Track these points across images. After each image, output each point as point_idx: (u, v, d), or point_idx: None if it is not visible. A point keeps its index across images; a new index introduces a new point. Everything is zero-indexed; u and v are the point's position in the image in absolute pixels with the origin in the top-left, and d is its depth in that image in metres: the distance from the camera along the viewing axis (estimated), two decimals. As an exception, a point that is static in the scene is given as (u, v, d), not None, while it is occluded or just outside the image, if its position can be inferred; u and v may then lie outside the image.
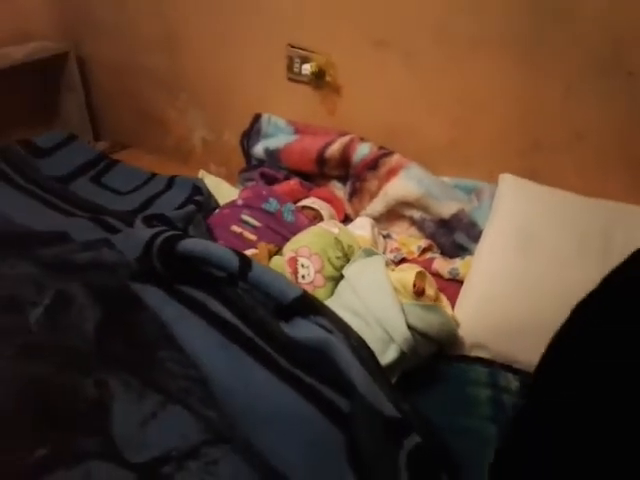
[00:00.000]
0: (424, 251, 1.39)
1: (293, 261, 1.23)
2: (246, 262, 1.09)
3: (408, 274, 1.14)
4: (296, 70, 1.61)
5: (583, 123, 1.26)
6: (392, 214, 1.47)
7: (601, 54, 1.18)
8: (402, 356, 1.03)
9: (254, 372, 0.97)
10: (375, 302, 1.08)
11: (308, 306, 1.03)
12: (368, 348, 0.98)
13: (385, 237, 1.47)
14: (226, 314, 1.08)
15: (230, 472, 0.91)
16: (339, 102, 1.59)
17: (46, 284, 1.34)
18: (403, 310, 1.06)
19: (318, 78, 1.56)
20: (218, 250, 1.12)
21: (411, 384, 1.08)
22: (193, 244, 1.15)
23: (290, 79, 1.64)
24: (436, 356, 1.14)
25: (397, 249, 1.41)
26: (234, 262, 1.09)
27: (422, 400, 1.02)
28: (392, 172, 1.43)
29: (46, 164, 1.95)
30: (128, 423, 1.00)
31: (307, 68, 1.57)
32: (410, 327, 1.05)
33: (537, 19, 1.21)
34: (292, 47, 1.59)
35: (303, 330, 1.00)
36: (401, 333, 1.03)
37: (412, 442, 0.84)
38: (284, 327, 1.03)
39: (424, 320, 1.07)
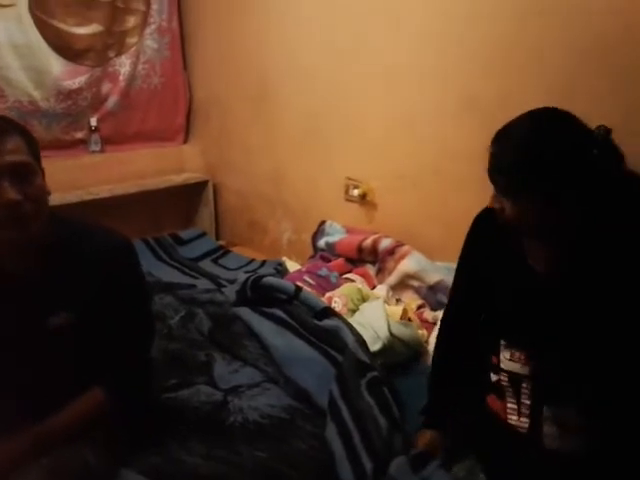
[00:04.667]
0: (420, 307, 2.11)
1: (329, 299, 2.02)
2: (298, 289, 1.90)
3: (398, 307, 1.89)
4: (350, 193, 2.49)
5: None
6: (402, 284, 2.21)
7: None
8: (384, 348, 1.73)
9: (294, 341, 1.74)
10: (372, 317, 1.82)
11: (329, 312, 1.81)
12: (361, 336, 1.71)
13: (397, 300, 2.21)
14: (284, 316, 1.86)
15: (276, 393, 1.63)
16: (375, 214, 2.44)
17: (180, 308, 2.20)
18: (389, 323, 1.78)
19: (362, 199, 2.44)
20: (283, 282, 1.96)
21: (394, 371, 1.75)
22: (271, 279, 1.99)
23: (346, 199, 2.53)
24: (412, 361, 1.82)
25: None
26: (291, 289, 1.91)
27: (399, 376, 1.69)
28: (402, 256, 2.20)
29: (184, 249, 2.94)
30: (222, 372, 1.76)
31: (356, 192, 2.45)
32: (392, 334, 1.76)
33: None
34: (348, 179, 2.49)
35: (325, 322, 1.77)
36: (384, 334, 1.74)
37: (371, 375, 1.53)
38: (316, 322, 1.80)
39: (401, 330, 1.78)
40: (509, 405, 1.20)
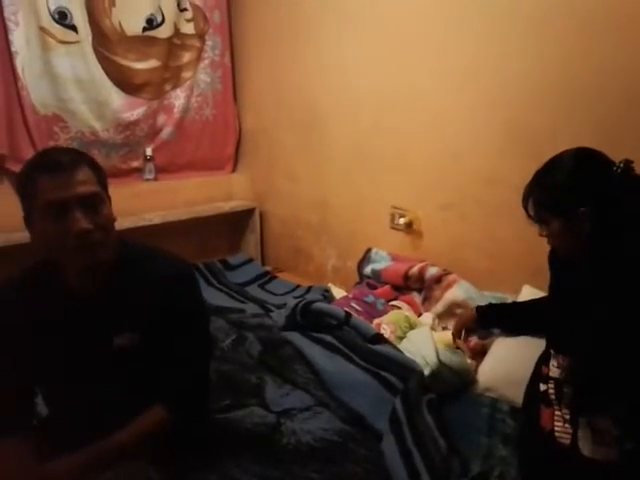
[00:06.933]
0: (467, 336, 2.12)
1: (378, 325, 2.05)
2: (349, 315, 1.94)
3: (446, 332, 1.91)
4: (396, 222, 2.54)
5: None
6: (449, 313, 2.22)
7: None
8: (432, 374, 1.75)
9: (345, 366, 1.77)
10: (420, 344, 1.84)
11: (379, 338, 1.84)
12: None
13: (444, 328, 2.22)
14: (334, 342, 1.90)
15: (328, 417, 1.66)
16: (420, 242, 2.47)
17: (230, 332, 2.25)
18: (437, 350, 1.80)
19: (408, 227, 2.48)
20: (333, 308, 2.00)
21: (442, 399, 1.76)
22: (321, 305, 2.03)
23: (392, 227, 2.58)
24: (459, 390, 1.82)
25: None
26: (342, 315, 1.95)
27: (449, 404, 1.70)
28: (450, 285, 2.22)
29: (233, 275, 3.02)
30: (273, 395, 1.80)
31: (402, 221, 2.49)
32: (440, 361, 1.78)
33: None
34: (394, 208, 2.54)
35: (377, 347, 1.80)
36: (432, 361, 1.75)
37: (429, 397, 1.56)
38: (369, 345, 1.83)
39: (449, 358, 1.79)
40: (556, 413, 1.30)
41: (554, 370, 1.34)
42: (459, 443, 1.48)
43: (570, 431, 1.26)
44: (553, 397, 1.32)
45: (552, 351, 1.37)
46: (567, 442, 1.25)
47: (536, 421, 1.35)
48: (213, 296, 2.72)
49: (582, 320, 1.27)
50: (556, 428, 1.28)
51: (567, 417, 1.27)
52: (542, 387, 1.37)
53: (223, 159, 3.43)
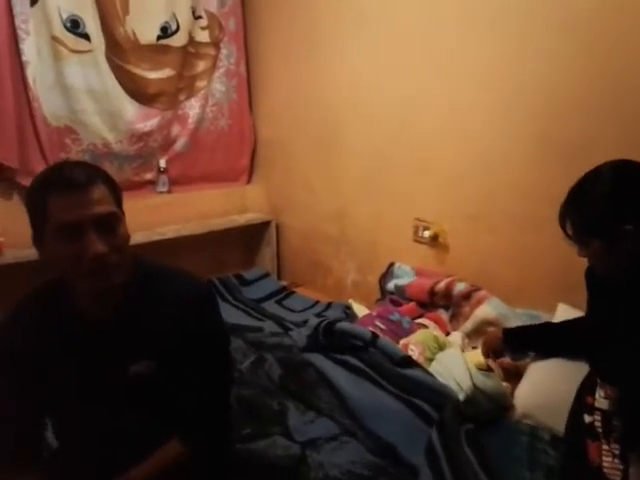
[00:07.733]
0: (499, 356, 2.00)
1: (405, 346, 1.93)
2: (375, 336, 1.84)
3: (476, 355, 1.79)
4: (419, 234, 2.43)
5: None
6: (479, 331, 2.10)
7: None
8: (467, 399, 1.63)
9: (373, 391, 1.67)
10: (452, 367, 1.73)
11: (408, 361, 1.73)
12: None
13: (474, 348, 2.10)
14: (359, 364, 1.79)
15: (356, 447, 1.55)
16: (447, 256, 2.36)
17: (249, 353, 2.15)
18: (471, 373, 1.69)
19: (433, 240, 2.37)
20: (358, 328, 1.89)
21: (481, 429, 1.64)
22: (344, 325, 1.92)
23: (415, 240, 2.47)
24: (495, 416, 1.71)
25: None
26: (368, 335, 1.84)
27: (486, 433, 1.59)
28: (480, 301, 2.11)
29: (248, 290, 2.92)
30: (297, 423, 1.70)
31: (427, 233, 2.39)
32: (474, 385, 1.66)
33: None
34: (418, 220, 2.44)
35: (407, 371, 1.69)
36: (466, 385, 1.65)
37: (467, 427, 1.45)
38: (398, 369, 1.72)
39: (483, 381, 1.68)
40: (604, 447, 1.21)
41: (601, 401, 1.25)
42: (500, 476, 1.37)
43: (620, 467, 1.16)
44: (600, 430, 1.23)
45: (598, 380, 1.28)
46: (618, 479, 1.16)
47: (582, 455, 1.25)
48: (229, 313, 2.62)
49: (626, 345, 1.17)
50: (604, 464, 1.19)
51: (617, 452, 1.18)
52: (587, 419, 1.28)
53: (238, 170, 3.35)
